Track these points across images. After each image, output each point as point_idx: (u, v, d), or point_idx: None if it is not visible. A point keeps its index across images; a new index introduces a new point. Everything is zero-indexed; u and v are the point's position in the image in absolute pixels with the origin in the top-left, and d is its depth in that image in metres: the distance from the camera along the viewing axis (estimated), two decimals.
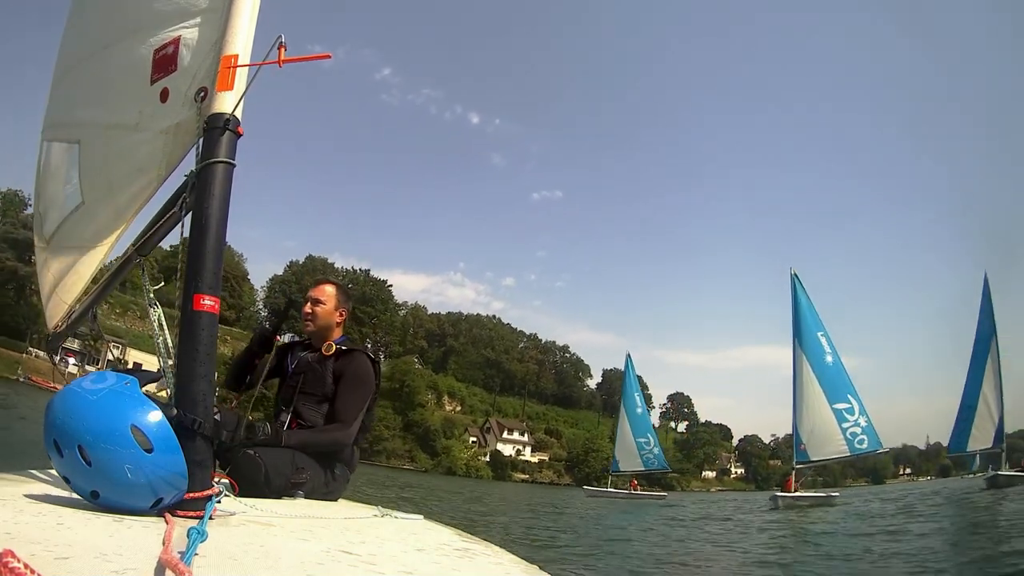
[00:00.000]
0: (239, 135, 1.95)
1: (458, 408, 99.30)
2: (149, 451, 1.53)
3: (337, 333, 3.46)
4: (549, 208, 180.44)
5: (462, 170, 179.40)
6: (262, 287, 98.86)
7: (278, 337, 3.36)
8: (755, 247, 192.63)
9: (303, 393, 3.22)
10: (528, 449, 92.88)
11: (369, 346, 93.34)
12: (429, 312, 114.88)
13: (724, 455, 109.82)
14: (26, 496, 1.67)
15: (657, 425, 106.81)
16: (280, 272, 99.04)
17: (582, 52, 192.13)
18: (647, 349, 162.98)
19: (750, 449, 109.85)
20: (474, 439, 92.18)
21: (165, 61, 2.15)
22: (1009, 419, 33.61)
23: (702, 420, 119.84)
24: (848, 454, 32.14)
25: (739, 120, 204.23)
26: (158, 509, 1.59)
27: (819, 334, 33.47)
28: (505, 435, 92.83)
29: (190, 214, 1.94)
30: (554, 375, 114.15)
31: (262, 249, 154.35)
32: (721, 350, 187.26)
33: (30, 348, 61.08)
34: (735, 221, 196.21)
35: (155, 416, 1.57)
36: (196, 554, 1.19)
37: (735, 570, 9.72)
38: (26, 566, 0.90)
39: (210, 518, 1.53)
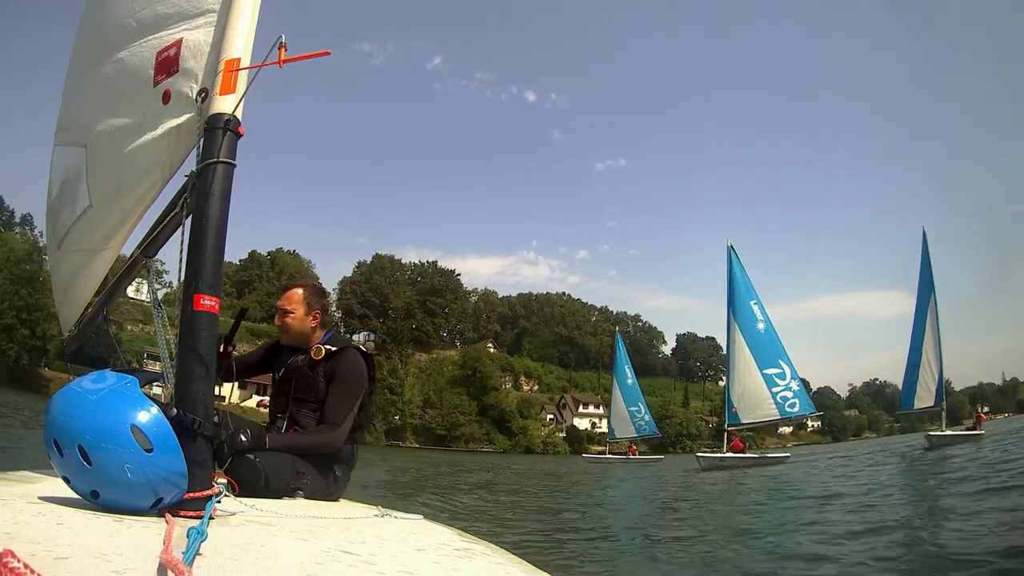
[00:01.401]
0: (239, 135, 1.96)
1: (535, 387, 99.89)
2: (149, 451, 1.53)
3: (320, 333, 3.38)
4: (614, 177, 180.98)
5: (524, 149, 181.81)
6: (333, 289, 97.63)
7: (231, 348, 3.26)
8: (838, 199, 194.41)
9: (297, 399, 3.18)
10: (604, 421, 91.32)
11: (445, 336, 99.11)
12: (500, 295, 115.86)
13: None
14: (26, 496, 1.67)
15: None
16: (350, 273, 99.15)
17: (632, 17, 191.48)
18: (721, 309, 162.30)
19: (825, 401, 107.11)
20: (551, 416, 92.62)
21: (167, 63, 2.17)
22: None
23: None
24: (778, 417, 33.80)
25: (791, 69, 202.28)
26: (158, 509, 1.59)
27: (751, 302, 34.99)
28: (581, 409, 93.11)
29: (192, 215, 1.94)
30: (628, 345, 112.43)
31: (335, 250, 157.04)
32: (798, 301, 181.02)
33: None
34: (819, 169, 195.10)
35: (155, 416, 1.57)
36: (196, 554, 1.19)
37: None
38: (26, 566, 0.89)
39: (210, 518, 1.53)
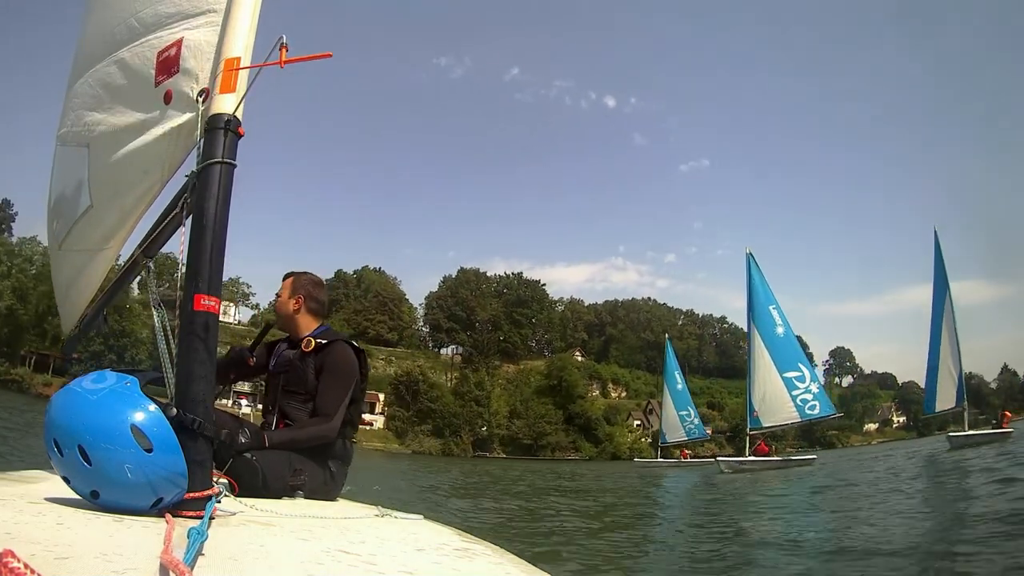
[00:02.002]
0: (240, 136, 1.96)
1: (623, 394, 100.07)
2: (149, 451, 1.54)
3: (310, 323, 3.42)
4: (698, 178, 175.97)
5: (606, 155, 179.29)
6: (420, 304, 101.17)
7: (251, 360, 3.30)
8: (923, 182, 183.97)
9: (287, 392, 3.20)
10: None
11: (533, 346, 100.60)
12: (587, 303, 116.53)
13: (885, 405, 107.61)
14: (26, 496, 1.68)
15: (823, 383, 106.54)
16: (435, 288, 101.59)
17: (708, 17, 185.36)
18: (814, 303, 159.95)
19: (910, 396, 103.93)
20: (639, 422, 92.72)
21: (168, 63, 2.17)
22: None
23: (867, 371, 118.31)
24: (799, 419, 34.69)
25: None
26: (158, 509, 1.60)
27: (771, 308, 36.28)
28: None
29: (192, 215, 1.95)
30: (715, 347, 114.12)
31: (423, 265, 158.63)
32: (886, 292, 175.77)
33: None
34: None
35: (155, 416, 1.58)
36: (196, 554, 1.19)
37: None
38: (26, 566, 0.90)
39: (210, 518, 1.52)
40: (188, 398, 1.73)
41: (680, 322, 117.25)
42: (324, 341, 3.27)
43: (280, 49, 1.92)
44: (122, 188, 2.38)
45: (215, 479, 1.89)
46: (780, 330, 35.73)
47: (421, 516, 2.36)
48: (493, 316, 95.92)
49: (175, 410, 1.67)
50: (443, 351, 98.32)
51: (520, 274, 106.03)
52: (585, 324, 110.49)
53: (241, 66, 2.01)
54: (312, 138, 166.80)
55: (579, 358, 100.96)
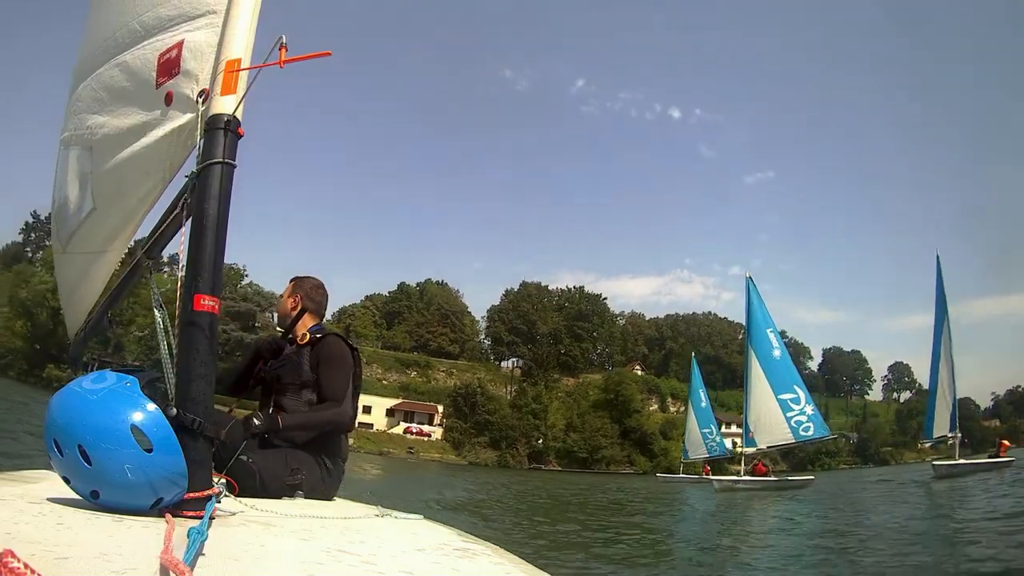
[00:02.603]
0: (240, 136, 1.97)
1: (682, 408, 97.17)
2: (149, 451, 1.54)
3: (308, 322, 3.51)
4: (764, 190, 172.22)
5: (672, 167, 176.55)
6: (483, 317, 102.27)
7: (285, 348, 3.41)
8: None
9: (282, 384, 3.27)
10: (742, 439, 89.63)
11: (595, 359, 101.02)
12: (648, 317, 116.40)
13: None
14: (26, 496, 1.69)
15: (880, 399, 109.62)
16: (497, 301, 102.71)
17: (776, 29, 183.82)
18: (879, 319, 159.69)
19: (964, 412, 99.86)
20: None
21: (169, 65, 2.18)
22: None
23: (926, 387, 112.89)
24: (793, 441, 35.21)
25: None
26: (158, 509, 1.60)
27: (768, 330, 37.21)
28: (723, 429, 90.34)
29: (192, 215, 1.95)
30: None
31: (490, 278, 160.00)
32: (951, 304, 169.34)
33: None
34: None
35: (155, 416, 1.58)
36: (196, 554, 1.19)
37: None
38: (26, 566, 0.90)
39: (210, 518, 1.52)
40: (188, 398, 1.74)
41: (740, 336, 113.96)
42: (319, 336, 3.38)
43: (280, 49, 1.93)
44: (124, 190, 2.40)
45: (215, 479, 1.89)
46: (777, 353, 36.72)
47: (421, 516, 2.35)
48: (554, 330, 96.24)
49: (175, 410, 1.68)
50: (504, 364, 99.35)
51: (582, 288, 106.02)
52: (646, 338, 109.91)
53: (241, 67, 2.02)
54: (382, 151, 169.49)
55: (639, 372, 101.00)
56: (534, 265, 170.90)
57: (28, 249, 75.64)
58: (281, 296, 3.68)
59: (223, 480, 2.09)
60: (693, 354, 59.11)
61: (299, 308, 3.50)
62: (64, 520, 1.42)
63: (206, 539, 1.31)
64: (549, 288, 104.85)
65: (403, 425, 78.01)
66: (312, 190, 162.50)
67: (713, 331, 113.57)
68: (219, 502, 1.81)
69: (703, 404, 52.86)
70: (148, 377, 1.72)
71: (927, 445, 38.89)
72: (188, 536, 1.23)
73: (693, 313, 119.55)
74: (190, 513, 1.64)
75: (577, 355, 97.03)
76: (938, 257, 36.71)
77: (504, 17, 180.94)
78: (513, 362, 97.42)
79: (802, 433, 34.53)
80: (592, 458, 77.23)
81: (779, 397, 35.17)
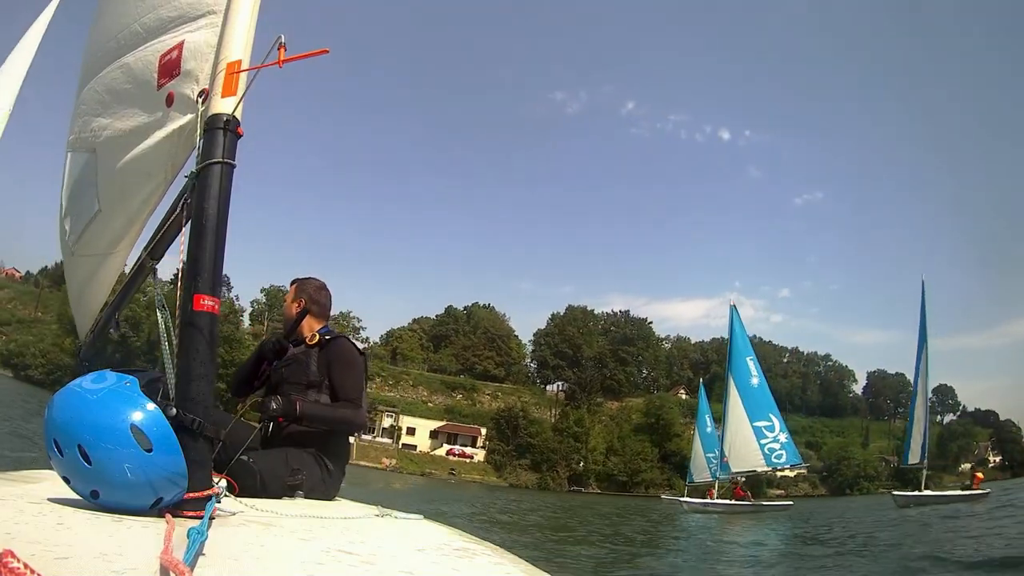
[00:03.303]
0: (239, 136, 1.98)
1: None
2: (149, 450, 1.54)
3: (313, 324, 3.51)
4: (813, 211, 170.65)
5: (722, 189, 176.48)
6: (530, 340, 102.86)
7: (288, 348, 3.41)
8: None
9: (289, 383, 3.26)
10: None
11: (640, 384, 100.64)
12: (693, 341, 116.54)
13: (982, 444, 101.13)
14: (26, 496, 1.69)
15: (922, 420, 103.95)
16: (544, 325, 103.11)
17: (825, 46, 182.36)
18: (931, 338, 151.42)
19: (1006, 435, 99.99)
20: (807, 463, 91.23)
21: (170, 66, 2.20)
22: None
23: (971, 408, 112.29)
24: (766, 467, 36.48)
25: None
26: (158, 509, 1.60)
27: (748, 358, 38.80)
28: None
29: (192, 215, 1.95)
30: (819, 386, 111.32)
31: (538, 301, 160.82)
32: (997, 326, 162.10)
33: None
34: None
35: (155, 416, 1.58)
36: (196, 554, 1.19)
37: None
38: (26, 566, 0.90)
39: (210, 518, 1.52)
40: (188, 398, 1.74)
41: (785, 360, 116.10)
42: (328, 337, 3.38)
43: (279, 49, 1.93)
44: (128, 191, 2.42)
45: (215, 479, 1.89)
46: (755, 380, 37.85)
47: (421, 516, 2.35)
48: (598, 353, 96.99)
49: (175, 410, 1.68)
50: (549, 387, 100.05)
51: (627, 312, 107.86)
52: (691, 362, 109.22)
53: (242, 68, 2.04)
54: (431, 174, 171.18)
55: (683, 396, 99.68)
56: (583, 287, 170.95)
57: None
58: (284, 301, 3.68)
59: (223, 480, 2.10)
60: (702, 379, 59.38)
61: (303, 310, 3.49)
62: (64, 520, 1.42)
63: (206, 539, 1.31)
64: (595, 312, 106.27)
65: (446, 447, 79.07)
66: (358, 212, 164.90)
67: (758, 355, 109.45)
68: (219, 502, 1.81)
69: (708, 429, 51.96)
70: (148, 377, 1.72)
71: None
72: (188, 536, 1.23)
73: None
74: (190, 513, 1.64)
75: (621, 379, 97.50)
76: (923, 284, 38.55)
77: (554, 40, 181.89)
78: (558, 386, 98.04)
79: (774, 460, 35.83)
80: (632, 481, 77.28)
81: (754, 424, 36.21)
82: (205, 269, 1.84)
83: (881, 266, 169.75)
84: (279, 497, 2.76)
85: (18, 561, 0.90)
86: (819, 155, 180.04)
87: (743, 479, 40.48)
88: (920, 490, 34.32)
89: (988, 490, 33.08)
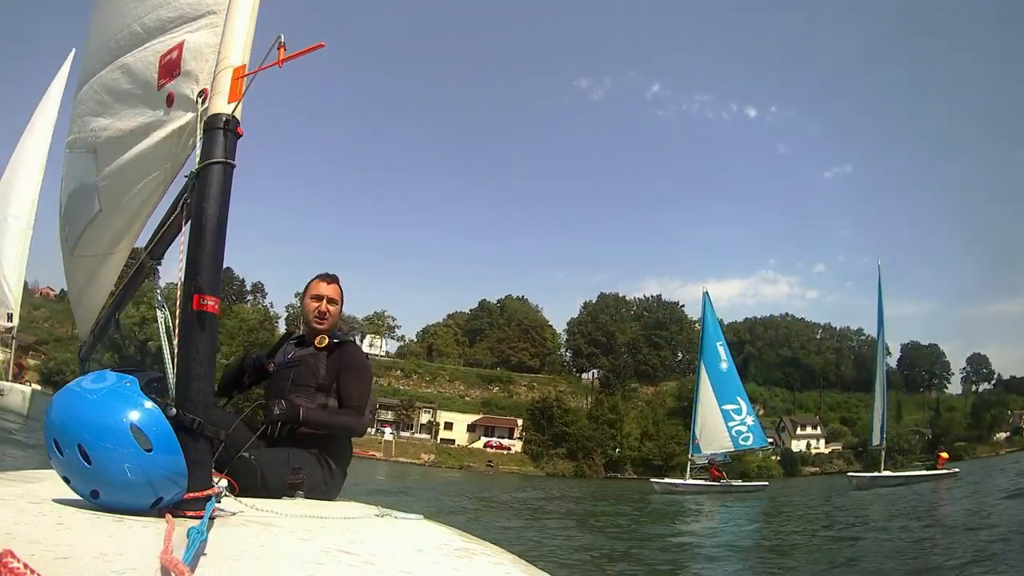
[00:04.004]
0: (239, 135, 1.98)
1: (761, 412, 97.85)
2: (149, 450, 1.54)
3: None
4: (843, 184, 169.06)
5: (752, 167, 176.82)
6: (563, 330, 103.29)
7: (270, 367, 3.36)
8: None
9: (296, 386, 3.23)
10: (822, 441, 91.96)
11: (676, 368, 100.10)
12: (726, 322, 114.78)
13: (1016, 413, 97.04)
14: (26, 496, 1.69)
15: (959, 392, 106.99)
16: (575, 314, 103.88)
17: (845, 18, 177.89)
18: (957, 308, 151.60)
19: None
20: (771, 440, 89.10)
21: (170, 66, 2.19)
22: None
23: (1006, 377, 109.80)
24: (732, 449, 37.46)
25: None
26: (158, 509, 1.60)
27: (718, 343, 39.70)
28: (798, 431, 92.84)
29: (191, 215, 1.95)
30: (853, 361, 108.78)
31: (573, 289, 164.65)
32: None
33: None
34: None
35: (155, 415, 1.58)
36: (196, 554, 1.19)
37: None
38: (26, 566, 0.90)
39: (210, 518, 1.52)
40: (188, 398, 1.74)
41: (818, 336, 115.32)
42: (337, 340, 3.35)
43: (279, 48, 1.94)
44: (128, 191, 2.41)
45: (215, 479, 1.90)
46: (724, 365, 38.94)
47: (421, 516, 2.33)
48: (632, 339, 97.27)
49: (175, 410, 1.68)
50: (584, 375, 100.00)
51: (659, 296, 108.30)
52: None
53: (247, 72, 2.04)
54: (463, 168, 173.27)
55: None
56: (618, 273, 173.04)
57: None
58: (335, 300, 3.50)
59: (223, 480, 2.10)
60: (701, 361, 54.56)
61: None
62: (64, 520, 1.42)
63: (206, 539, 1.31)
64: (627, 298, 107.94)
65: (483, 439, 79.71)
66: (386, 212, 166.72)
67: (791, 332, 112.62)
68: (219, 502, 1.81)
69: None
70: (148, 377, 1.72)
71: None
72: (188, 536, 1.23)
73: (771, 315, 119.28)
74: (190, 513, 1.64)
75: (656, 363, 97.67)
76: (879, 267, 39.78)
77: (577, 27, 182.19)
78: (593, 373, 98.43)
79: (741, 442, 37.04)
80: (667, 465, 76.16)
81: (723, 407, 37.41)
82: (205, 268, 1.84)
83: (911, 235, 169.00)
84: (280, 496, 2.76)
85: (18, 561, 0.91)
86: (846, 127, 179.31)
87: (723, 459, 40.50)
88: (880, 471, 34.88)
89: (956, 469, 33.64)
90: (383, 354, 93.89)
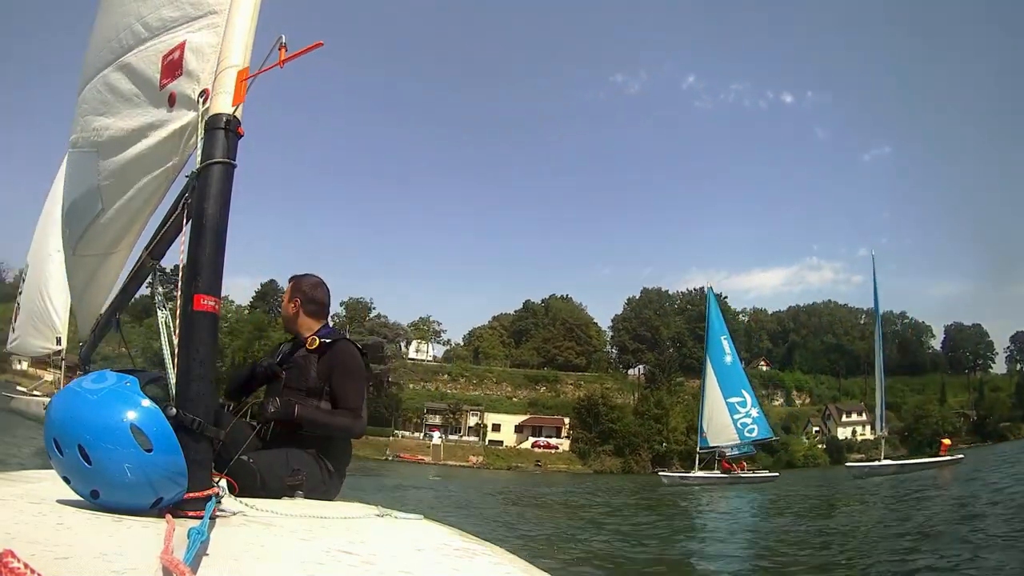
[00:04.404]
0: (239, 135, 1.98)
1: (807, 400, 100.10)
2: (149, 451, 1.54)
3: (311, 324, 3.42)
4: (882, 166, 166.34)
5: (790, 153, 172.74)
6: (608, 326, 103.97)
7: (281, 375, 3.31)
8: None
9: (289, 388, 3.19)
10: (867, 428, 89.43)
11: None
12: (770, 312, 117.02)
13: None
14: (26, 496, 1.70)
15: (1004, 372, 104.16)
16: (620, 311, 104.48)
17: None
18: (1000, 286, 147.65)
19: None
20: (817, 428, 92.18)
21: (173, 66, 2.20)
22: None
23: None
24: (738, 441, 38.13)
25: None
26: (158, 509, 1.60)
27: (722, 338, 40.78)
28: (844, 418, 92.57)
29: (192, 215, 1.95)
30: (897, 344, 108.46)
31: (619, 283, 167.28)
32: None
33: (395, 431, 75.48)
34: None
35: (155, 416, 1.58)
36: (196, 554, 1.19)
37: None
38: (26, 566, 0.90)
39: (210, 518, 1.51)
40: (188, 398, 1.74)
41: (862, 321, 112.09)
42: (328, 340, 3.30)
43: (280, 49, 1.95)
44: (130, 191, 2.41)
45: (215, 479, 1.89)
46: (728, 359, 40.14)
47: (421, 516, 2.32)
48: (676, 333, 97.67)
49: (175, 410, 1.68)
50: (631, 371, 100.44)
51: (701, 289, 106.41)
52: (769, 332, 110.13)
53: (251, 74, 2.05)
54: (506, 169, 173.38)
55: (763, 368, 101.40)
56: (663, 267, 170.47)
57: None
58: (282, 299, 3.57)
59: (223, 480, 2.10)
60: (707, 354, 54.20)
61: (300, 311, 3.42)
62: (64, 520, 1.43)
63: (206, 539, 1.31)
64: (669, 292, 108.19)
65: (531, 440, 79.99)
66: (435, 211, 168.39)
67: (835, 319, 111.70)
68: (219, 502, 1.81)
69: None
70: (148, 377, 1.73)
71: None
72: (188, 536, 1.23)
73: (813, 303, 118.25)
74: (190, 513, 1.64)
75: (701, 356, 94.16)
76: (873, 257, 43.47)
77: (610, 22, 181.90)
78: (639, 369, 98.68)
79: (747, 434, 37.84)
80: (713, 457, 75.35)
81: (728, 400, 38.27)
82: (205, 269, 1.84)
83: (952, 215, 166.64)
84: (279, 497, 2.75)
85: (18, 561, 0.91)
86: (883, 108, 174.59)
87: (748, 451, 41.14)
88: (880, 459, 35.78)
89: (961, 455, 34.27)
90: (430, 359, 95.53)
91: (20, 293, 25.30)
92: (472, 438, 79.81)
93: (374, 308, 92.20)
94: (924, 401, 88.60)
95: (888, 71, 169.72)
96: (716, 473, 37.67)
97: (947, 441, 38.45)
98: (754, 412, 38.14)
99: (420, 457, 68.14)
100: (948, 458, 32.84)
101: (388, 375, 78.46)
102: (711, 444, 38.96)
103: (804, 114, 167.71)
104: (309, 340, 3.31)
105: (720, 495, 26.94)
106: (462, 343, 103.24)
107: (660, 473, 40.55)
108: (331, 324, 3.61)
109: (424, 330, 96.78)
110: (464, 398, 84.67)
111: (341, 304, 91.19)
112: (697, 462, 39.75)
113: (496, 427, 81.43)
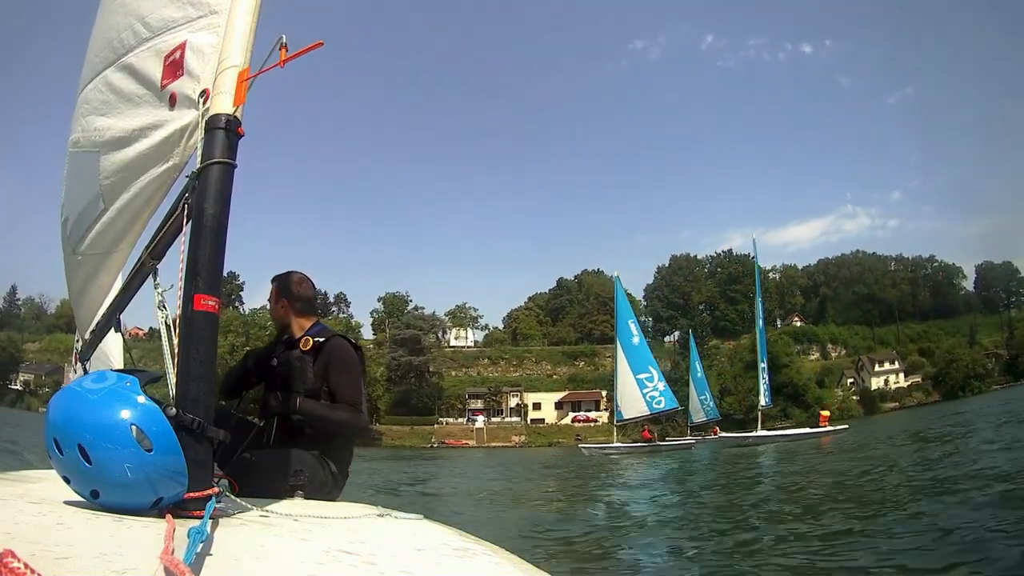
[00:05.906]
0: (240, 136, 1.97)
1: (843, 352, 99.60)
2: (149, 450, 1.54)
3: (303, 322, 3.38)
4: (907, 107, 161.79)
5: (815, 105, 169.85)
6: (642, 297, 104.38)
7: (274, 362, 3.30)
8: None
9: (286, 390, 3.15)
10: (902, 375, 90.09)
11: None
12: (800, 267, 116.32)
13: None
14: (26, 496, 1.71)
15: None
16: (651, 280, 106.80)
17: None
18: None
19: None
20: (851, 380, 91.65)
21: (174, 66, 2.20)
22: None
23: None
24: (648, 412, 41.89)
25: None
26: (158, 509, 1.60)
27: (629, 321, 43.96)
28: (876, 368, 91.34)
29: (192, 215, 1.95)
30: (929, 289, 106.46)
31: (657, 249, 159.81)
32: None
33: (439, 419, 77.09)
34: None
35: (155, 415, 1.58)
36: (196, 554, 1.19)
37: None
38: (26, 566, 0.91)
39: (210, 518, 1.51)
40: (188, 398, 1.74)
41: (892, 268, 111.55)
42: (322, 339, 3.26)
43: (280, 49, 1.94)
44: (130, 190, 2.40)
45: (215, 479, 1.90)
46: (635, 340, 43.31)
47: (421, 516, 2.32)
48: (708, 297, 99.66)
49: (175, 410, 1.68)
50: (667, 338, 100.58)
51: (730, 251, 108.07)
52: (800, 288, 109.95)
53: (252, 75, 2.04)
54: (537, 146, 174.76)
55: (798, 323, 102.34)
56: (701, 229, 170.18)
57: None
58: (269, 304, 3.51)
59: (224, 480, 2.11)
60: (691, 331, 65.78)
61: (289, 311, 3.39)
62: (64, 520, 1.43)
63: (206, 539, 1.31)
64: (698, 257, 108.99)
65: (571, 415, 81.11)
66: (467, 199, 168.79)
67: (864, 268, 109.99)
68: (219, 502, 1.81)
69: (699, 375, 59.63)
70: (149, 377, 1.72)
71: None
72: (188, 536, 1.23)
73: (842, 254, 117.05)
74: (190, 513, 1.64)
75: (734, 318, 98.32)
76: (754, 241, 45.22)
77: None
78: (675, 335, 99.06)
79: (655, 406, 41.60)
80: (748, 418, 74.63)
81: (637, 376, 41.93)
82: (205, 269, 1.84)
83: (978, 151, 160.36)
84: (280, 497, 2.73)
85: (18, 561, 0.91)
86: (902, 49, 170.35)
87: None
88: (756, 431, 40.81)
89: (845, 426, 38.62)
90: (471, 344, 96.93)
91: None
92: (514, 419, 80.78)
93: (411, 300, 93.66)
94: (953, 345, 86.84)
95: (900, 5, 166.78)
96: (635, 443, 41.57)
97: (826, 413, 43.56)
98: (660, 386, 42.01)
99: (464, 442, 69.64)
100: (828, 429, 36.69)
101: (428, 365, 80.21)
102: (625, 416, 42.62)
103: (825, 63, 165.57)
104: (303, 341, 3.27)
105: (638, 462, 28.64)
106: (501, 327, 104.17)
107: (580, 446, 44.41)
108: (324, 323, 3.55)
109: (461, 317, 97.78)
110: (505, 380, 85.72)
111: (379, 300, 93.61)
112: (615, 433, 44.35)
113: (536, 406, 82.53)
